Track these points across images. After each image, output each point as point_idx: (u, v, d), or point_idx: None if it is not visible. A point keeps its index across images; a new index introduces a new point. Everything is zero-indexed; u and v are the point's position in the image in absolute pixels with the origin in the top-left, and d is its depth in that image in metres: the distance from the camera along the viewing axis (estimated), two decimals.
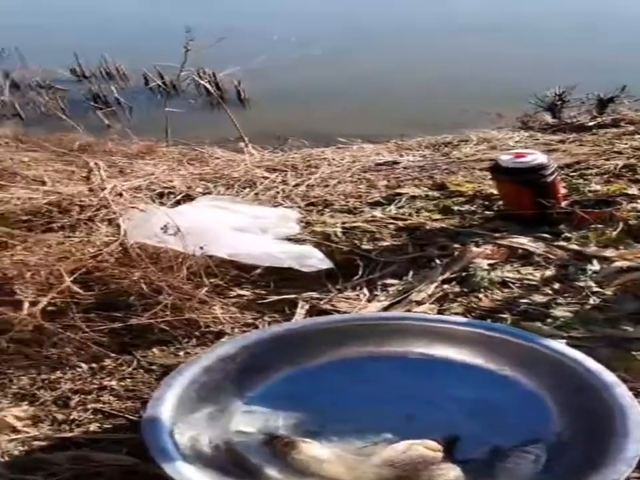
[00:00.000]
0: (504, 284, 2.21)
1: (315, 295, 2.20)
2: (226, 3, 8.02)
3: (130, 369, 1.86)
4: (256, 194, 3.14)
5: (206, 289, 2.22)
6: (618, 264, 2.29)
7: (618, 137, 3.72)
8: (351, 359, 1.81)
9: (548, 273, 2.27)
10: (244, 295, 2.23)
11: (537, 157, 2.67)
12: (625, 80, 4.75)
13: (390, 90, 5.35)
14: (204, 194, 3.13)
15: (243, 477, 1.47)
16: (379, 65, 5.91)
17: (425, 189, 3.07)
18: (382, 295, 2.20)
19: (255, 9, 7.85)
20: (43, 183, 3.30)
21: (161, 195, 3.14)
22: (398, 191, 3.05)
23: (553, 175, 2.65)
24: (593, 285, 2.18)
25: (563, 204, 2.67)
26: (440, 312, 2.08)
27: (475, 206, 2.84)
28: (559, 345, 1.78)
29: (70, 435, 1.62)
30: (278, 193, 3.13)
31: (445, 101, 5.04)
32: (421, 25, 6.99)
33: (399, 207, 2.87)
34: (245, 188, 3.23)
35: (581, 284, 2.19)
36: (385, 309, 2.12)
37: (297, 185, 3.22)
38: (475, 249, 2.42)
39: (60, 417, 1.68)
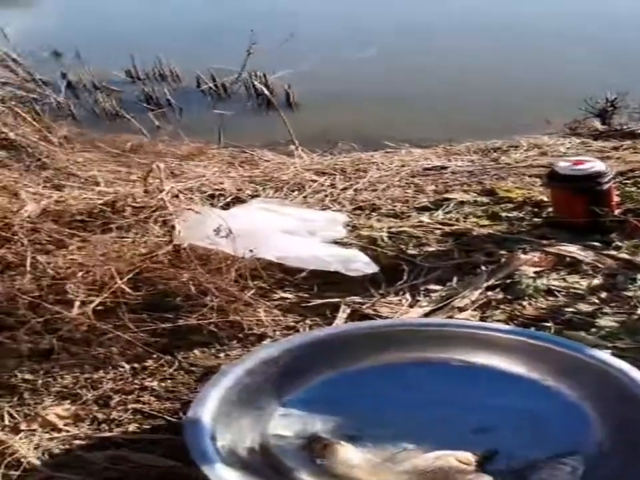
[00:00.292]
0: (549, 292, 2.17)
1: (357, 299, 2.18)
2: (278, 5, 8.00)
3: (171, 370, 1.86)
4: (304, 197, 3.13)
5: (252, 291, 2.22)
6: None
7: None
8: (391, 365, 1.79)
9: (595, 281, 2.21)
10: (287, 298, 2.22)
11: (595, 165, 2.61)
12: None
13: (439, 94, 5.29)
14: (252, 196, 3.14)
15: None
16: (428, 69, 5.85)
17: (474, 194, 3.02)
18: (424, 300, 2.17)
19: (307, 10, 7.83)
20: (97, 184, 3.34)
21: (211, 197, 3.15)
22: (446, 196, 3.01)
23: (608, 182, 2.59)
24: None
25: (616, 212, 2.60)
26: (482, 319, 2.05)
27: (523, 212, 2.78)
28: (604, 355, 1.73)
29: (109, 434, 1.63)
30: (326, 196, 3.11)
31: (493, 105, 4.96)
32: (471, 29, 6.89)
33: (447, 212, 2.83)
34: (293, 191, 3.22)
35: (629, 294, 2.13)
36: (427, 314, 2.09)
37: (345, 189, 3.20)
38: (522, 256, 2.37)
39: (100, 416, 1.69)
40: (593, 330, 1.95)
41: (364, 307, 2.14)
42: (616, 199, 2.65)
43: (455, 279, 2.27)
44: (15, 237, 2.58)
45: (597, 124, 4.39)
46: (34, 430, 1.64)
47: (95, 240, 2.56)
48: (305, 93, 5.57)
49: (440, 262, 2.40)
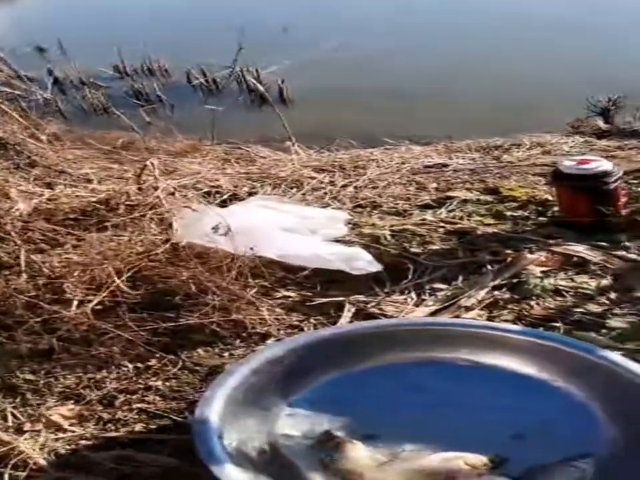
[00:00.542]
0: (557, 292, 2.20)
1: (362, 298, 2.21)
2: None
3: (175, 370, 1.89)
4: (303, 194, 3.16)
5: (254, 290, 2.25)
6: None
7: None
8: (397, 364, 1.81)
9: (604, 282, 2.25)
10: (290, 297, 2.25)
11: (601, 164, 2.65)
12: None
13: (438, 90, 5.33)
14: (250, 194, 3.16)
15: None
16: (426, 65, 5.89)
17: (477, 192, 3.06)
18: (430, 299, 2.20)
19: (299, 6, 7.86)
20: (89, 181, 3.36)
21: (207, 194, 3.18)
22: (448, 194, 3.05)
23: (615, 182, 2.62)
24: None
25: (623, 212, 2.64)
26: (489, 319, 2.08)
27: (528, 211, 2.82)
28: (614, 356, 1.76)
29: (115, 434, 1.65)
30: (325, 193, 3.14)
31: (493, 103, 5.00)
32: (471, 24, 6.93)
33: (450, 211, 2.87)
34: (292, 188, 3.25)
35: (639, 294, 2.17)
36: (433, 313, 2.12)
37: (344, 186, 3.23)
38: (528, 255, 2.41)
39: (105, 416, 1.72)
40: (603, 331, 1.98)
41: (369, 305, 2.17)
42: (623, 198, 2.69)
43: (460, 278, 2.31)
44: (8, 237, 2.60)
45: (600, 123, 4.44)
46: (38, 430, 1.66)
47: (90, 238, 2.57)
48: (298, 88, 5.60)
49: (444, 261, 2.43)
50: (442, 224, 2.73)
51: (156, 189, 2.96)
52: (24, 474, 1.51)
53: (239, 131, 4.40)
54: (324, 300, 2.21)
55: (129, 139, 4.14)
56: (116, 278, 2.26)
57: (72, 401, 1.78)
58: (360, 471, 1.48)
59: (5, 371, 1.91)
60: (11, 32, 7.06)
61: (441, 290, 2.26)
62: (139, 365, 1.92)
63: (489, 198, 2.98)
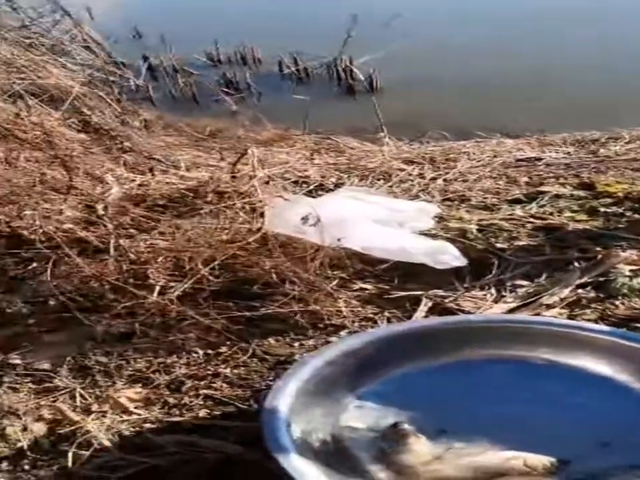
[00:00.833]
0: None
1: (440, 292, 2.18)
2: None
3: (244, 357, 1.90)
4: (390, 186, 3.14)
5: (335, 282, 2.24)
6: None
7: None
8: (471, 361, 1.78)
9: None
10: (367, 289, 2.24)
11: None
12: None
13: (531, 83, 5.22)
14: (337, 185, 3.16)
15: (349, 473, 1.47)
16: (519, 57, 5.77)
17: (570, 187, 2.98)
18: (510, 296, 2.15)
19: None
20: (179, 168, 3.42)
21: (295, 184, 3.19)
22: (540, 188, 2.98)
23: None
24: None
25: None
26: (570, 317, 2.02)
27: (623, 208, 2.73)
28: None
29: (179, 419, 1.67)
30: (413, 186, 3.11)
31: (588, 95, 4.86)
32: (566, 15, 6.74)
33: (541, 206, 2.80)
34: (379, 180, 3.23)
35: None
36: (512, 310, 2.07)
37: (433, 179, 3.20)
38: (619, 253, 2.33)
39: (171, 400, 1.74)
40: None
41: (446, 300, 2.13)
42: None
43: (544, 275, 2.25)
44: (100, 220, 2.67)
45: None
46: (105, 412, 1.69)
47: (178, 225, 2.62)
48: (390, 78, 5.57)
49: (530, 257, 2.38)
50: (531, 219, 2.67)
51: (251, 177, 2.98)
52: (87, 453, 1.54)
53: (328, 121, 4.41)
54: (401, 293, 2.18)
55: (216, 127, 4.19)
56: (201, 266, 2.29)
57: (140, 384, 1.81)
58: (417, 464, 1.46)
59: (78, 352, 1.95)
60: (110, 18, 7.24)
61: (523, 287, 2.20)
62: (210, 351, 1.94)
63: (582, 193, 2.90)
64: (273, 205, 2.74)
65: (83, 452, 1.54)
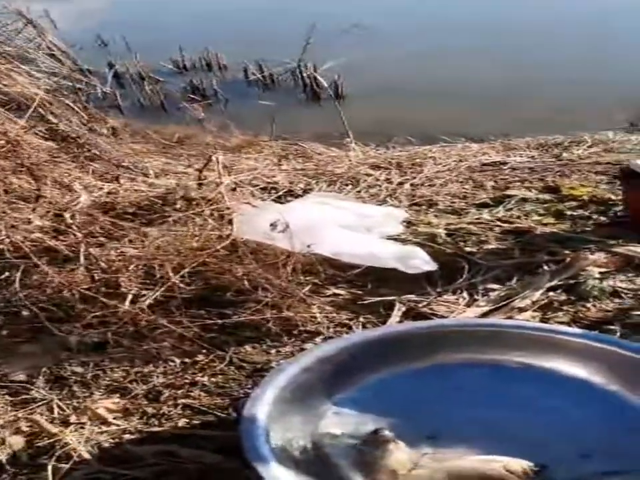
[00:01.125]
0: (615, 294, 2.14)
1: (413, 297, 2.18)
2: None
3: (222, 366, 1.88)
4: (359, 191, 3.14)
5: (307, 287, 2.23)
6: None
7: None
8: (446, 365, 1.78)
9: None
10: (340, 295, 2.23)
11: None
12: None
13: (495, 88, 5.26)
14: (305, 190, 3.15)
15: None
16: (484, 64, 5.82)
17: (536, 191, 3.01)
18: (482, 300, 2.16)
19: (358, 3, 7.84)
20: (148, 175, 3.39)
21: (264, 190, 3.18)
22: (506, 192, 3.00)
23: None
24: None
25: None
26: (543, 320, 2.03)
27: (589, 211, 2.76)
28: None
29: (159, 429, 1.65)
30: (381, 190, 3.12)
31: (549, 100, 4.91)
32: (527, 22, 6.83)
33: (508, 209, 2.82)
34: (347, 185, 3.23)
35: None
36: (485, 314, 2.08)
37: (401, 184, 3.20)
38: (587, 256, 2.34)
39: (150, 410, 1.72)
40: None
41: (419, 305, 2.14)
42: None
43: (515, 279, 2.26)
44: (69, 229, 2.63)
45: None
46: (83, 423, 1.67)
47: (149, 233, 2.59)
48: (355, 85, 5.58)
49: (500, 260, 2.39)
50: (499, 223, 2.69)
51: (218, 184, 2.95)
52: (67, 466, 1.51)
53: (294, 127, 4.41)
54: (374, 299, 2.18)
55: (184, 134, 4.17)
56: (172, 274, 2.26)
57: (118, 395, 1.78)
58: (397, 469, 1.45)
59: (53, 363, 1.92)
60: (74, 26, 7.17)
61: (495, 290, 2.21)
62: (186, 360, 1.92)
63: (548, 197, 2.93)
64: (242, 211, 2.73)
65: (63, 465, 1.52)
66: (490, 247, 2.50)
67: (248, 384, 1.80)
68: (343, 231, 2.61)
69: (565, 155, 3.54)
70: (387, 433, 1.53)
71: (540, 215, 2.75)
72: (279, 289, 2.18)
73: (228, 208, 2.74)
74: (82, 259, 2.41)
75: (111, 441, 1.61)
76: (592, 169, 3.23)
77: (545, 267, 2.31)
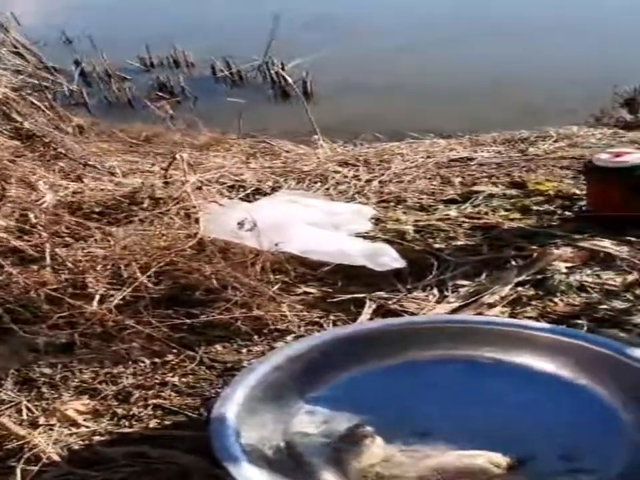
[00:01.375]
0: (582, 288, 2.16)
1: (383, 294, 2.18)
2: None
3: (192, 365, 1.87)
4: (327, 189, 3.13)
5: (277, 286, 2.23)
6: None
7: None
8: (417, 362, 1.78)
9: (631, 278, 2.20)
10: (310, 293, 2.23)
11: (638, 157, 2.58)
12: None
13: (462, 84, 5.30)
14: (274, 188, 3.14)
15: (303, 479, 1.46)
16: (450, 61, 5.85)
17: (502, 187, 3.02)
18: (452, 296, 2.16)
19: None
20: (114, 174, 3.36)
21: (231, 188, 3.16)
22: (473, 188, 3.01)
23: None
24: None
25: None
26: (512, 315, 2.04)
27: (555, 206, 2.78)
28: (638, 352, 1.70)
29: (129, 430, 1.63)
30: (350, 188, 3.12)
31: (515, 96, 4.96)
32: (494, 21, 6.89)
33: (475, 205, 2.83)
34: (316, 182, 3.23)
35: None
36: (455, 310, 2.08)
37: (369, 181, 3.20)
38: (554, 250, 2.36)
39: (120, 411, 1.70)
40: (628, 328, 1.94)
41: (390, 302, 2.13)
42: None
43: (483, 275, 2.27)
44: (33, 229, 2.60)
45: (625, 114, 4.36)
46: (53, 425, 1.65)
47: (115, 233, 2.57)
48: (323, 82, 5.59)
49: (468, 257, 2.40)
50: (466, 219, 2.70)
51: (183, 183, 2.93)
52: (36, 468, 1.50)
53: (263, 125, 4.40)
54: (344, 296, 2.17)
55: (152, 132, 4.14)
56: (139, 274, 2.25)
57: (87, 396, 1.77)
58: (374, 466, 1.45)
59: (21, 365, 1.90)
60: (39, 23, 7.10)
61: (464, 286, 2.22)
62: (156, 360, 1.90)
63: (514, 192, 2.94)
64: (208, 210, 2.72)
65: (32, 467, 1.50)
66: (458, 243, 2.51)
67: (219, 383, 1.78)
68: (311, 229, 2.61)
69: (531, 149, 3.57)
70: (367, 428, 1.53)
71: (507, 210, 2.77)
72: (248, 287, 2.17)
73: (194, 207, 2.73)
74: (48, 259, 2.39)
75: (81, 442, 1.60)
76: (557, 164, 3.25)
77: (513, 263, 2.32)
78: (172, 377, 1.83)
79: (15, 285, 2.22)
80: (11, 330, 2.02)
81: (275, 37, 5.80)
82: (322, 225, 2.65)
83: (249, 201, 2.95)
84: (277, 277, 2.28)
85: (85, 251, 2.46)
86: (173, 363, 1.89)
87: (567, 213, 2.71)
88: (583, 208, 2.73)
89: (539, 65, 5.62)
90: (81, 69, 6.14)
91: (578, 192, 2.85)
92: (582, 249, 2.38)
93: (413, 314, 2.08)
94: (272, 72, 5.87)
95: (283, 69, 5.81)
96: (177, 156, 3.11)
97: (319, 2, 7.46)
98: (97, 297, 2.18)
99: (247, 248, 2.35)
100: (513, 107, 4.70)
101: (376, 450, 1.49)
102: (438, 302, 2.14)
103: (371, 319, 2.06)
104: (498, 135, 3.92)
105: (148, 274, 2.24)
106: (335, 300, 2.16)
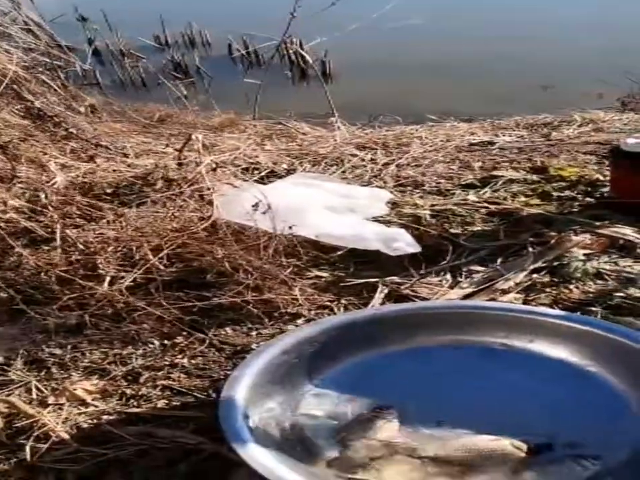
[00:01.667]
0: (599, 276, 2.19)
1: (396, 279, 2.22)
2: None
3: (202, 347, 1.93)
4: (343, 172, 3.18)
5: (289, 269, 2.27)
6: None
7: None
8: (427, 347, 1.83)
9: None
10: (322, 277, 2.28)
11: None
12: None
13: (485, 66, 5.30)
14: (289, 171, 3.19)
15: (309, 461, 1.51)
16: (474, 42, 5.84)
17: (523, 172, 3.06)
18: (465, 282, 2.21)
19: None
20: (127, 155, 3.42)
21: (246, 170, 3.21)
22: (493, 173, 3.05)
23: None
24: None
25: None
26: (526, 302, 2.08)
27: (576, 192, 2.81)
28: None
29: (138, 410, 1.69)
30: (366, 171, 3.16)
31: (540, 79, 4.96)
32: (519, 4, 6.86)
33: (494, 190, 2.87)
34: (332, 165, 3.27)
35: None
36: (468, 296, 2.13)
37: (386, 164, 3.25)
38: (572, 237, 2.40)
39: (129, 392, 1.76)
40: None
41: (402, 287, 2.18)
42: None
43: (499, 261, 2.31)
44: (45, 210, 2.67)
45: None
46: (62, 404, 1.71)
47: (127, 214, 2.63)
48: (342, 62, 5.59)
49: (484, 242, 2.44)
50: (485, 204, 2.73)
51: (198, 164, 2.98)
52: (45, 446, 1.56)
53: (279, 106, 4.42)
54: (357, 281, 2.22)
55: (166, 112, 4.19)
56: (151, 255, 2.31)
57: (96, 376, 1.83)
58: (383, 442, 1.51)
59: (31, 345, 1.97)
60: (53, 0, 7.13)
61: (478, 272, 2.26)
62: (166, 342, 1.96)
63: (535, 177, 2.98)
64: (223, 192, 2.76)
65: (41, 445, 1.56)
66: (475, 228, 2.55)
67: (228, 365, 1.84)
68: (326, 213, 2.65)
69: (554, 134, 3.59)
70: (391, 410, 1.59)
71: (527, 196, 2.80)
72: (260, 271, 2.22)
73: (208, 189, 2.78)
74: (59, 240, 2.45)
75: (90, 421, 1.66)
76: (581, 149, 3.28)
77: (530, 249, 2.36)
78: (181, 358, 1.89)
79: (26, 265, 2.30)
80: (21, 311, 2.10)
81: (295, 15, 5.80)
82: (337, 209, 2.70)
83: (264, 184, 3.00)
84: (289, 260, 2.33)
85: (97, 232, 2.52)
86: (182, 344, 1.95)
87: (588, 199, 2.74)
88: (605, 194, 2.75)
89: (566, 46, 5.61)
90: (94, 48, 6.17)
91: (601, 178, 2.88)
92: (601, 235, 2.41)
93: (425, 299, 2.12)
94: (290, 52, 5.87)
95: (301, 48, 5.82)
96: (193, 136, 3.16)
97: None
98: (108, 278, 2.25)
99: (261, 231, 2.39)
100: (539, 90, 4.70)
101: (393, 433, 1.54)
102: (451, 287, 2.18)
103: (382, 303, 2.11)
104: (521, 119, 3.95)
105: (159, 256, 2.30)
106: (346, 284, 2.21)
